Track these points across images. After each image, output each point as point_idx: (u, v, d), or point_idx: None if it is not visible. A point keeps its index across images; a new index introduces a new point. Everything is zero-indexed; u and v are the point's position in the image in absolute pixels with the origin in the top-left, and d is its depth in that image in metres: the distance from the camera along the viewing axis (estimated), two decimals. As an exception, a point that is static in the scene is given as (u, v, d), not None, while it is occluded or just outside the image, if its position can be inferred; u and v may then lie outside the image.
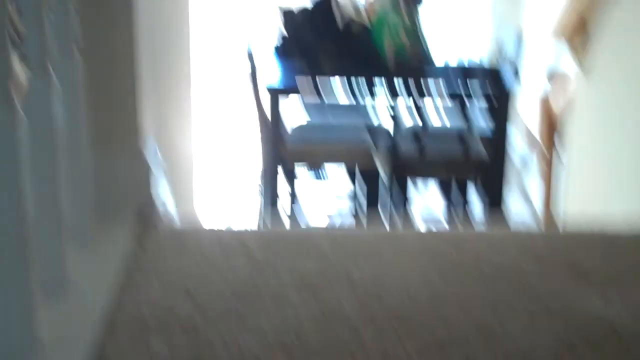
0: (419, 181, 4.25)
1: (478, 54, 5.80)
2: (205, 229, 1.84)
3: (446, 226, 3.64)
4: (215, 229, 1.85)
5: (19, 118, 1.13)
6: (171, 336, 1.31)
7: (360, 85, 3.84)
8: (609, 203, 2.77)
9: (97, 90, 1.79)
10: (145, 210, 1.84)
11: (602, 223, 1.91)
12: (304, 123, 4.41)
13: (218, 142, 5.86)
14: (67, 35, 1.55)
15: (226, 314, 1.40)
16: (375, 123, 4.58)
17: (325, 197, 5.30)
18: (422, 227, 2.09)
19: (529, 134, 4.26)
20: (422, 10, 4.18)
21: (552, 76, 3.52)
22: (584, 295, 1.52)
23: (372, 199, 3.94)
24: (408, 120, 4.04)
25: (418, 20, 4.10)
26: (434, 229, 1.91)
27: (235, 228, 1.86)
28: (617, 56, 2.79)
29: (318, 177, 5.37)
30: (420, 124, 3.59)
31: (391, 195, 3.71)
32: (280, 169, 3.80)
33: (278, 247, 1.72)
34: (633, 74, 2.67)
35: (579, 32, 2.94)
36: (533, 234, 1.85)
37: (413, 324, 1.39)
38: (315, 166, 3.95)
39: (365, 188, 4.06)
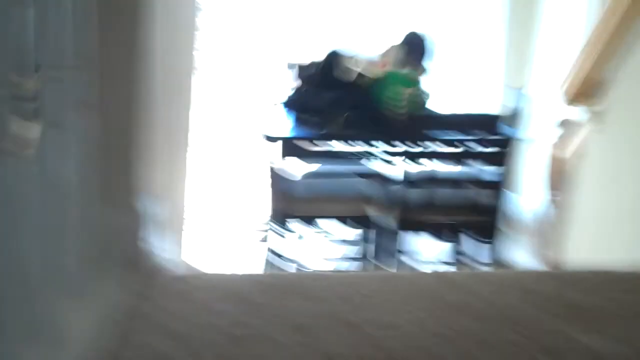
0: (426, 235, 4.24)
1: (488, 105, 5.85)
2: (204, 275, 1.84)
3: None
4: (214, 274, 1.85)
5: (19, 172, 1.15)
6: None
7: (367, 135, 3.88)
8: (612, 253, 2.76)
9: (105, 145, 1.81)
10: (142, 260, 1.85)
11: (602, 266, 1.90)
12: (312, 171, 4.44)
13: (219, 193, 5.89)
14: (84, 93, 1.58)
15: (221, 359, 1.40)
16: (380, 172, 4.60)
17: (329, 251, 5.30)
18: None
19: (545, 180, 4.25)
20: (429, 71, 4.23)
21: (563, 124, 3.53)
22: (578, 333, 1.51)
23: (377, 253, 3.94)
24: (412, 169, 4.06)
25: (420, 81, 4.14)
26: (429, 271, 1.90)
27: (236, 274, 1.86)
28: (629, 108, 2.80)
29: (321, 231, 5.38)
30: (424, 171, 3.61)
31: (396, 248, 3.71)
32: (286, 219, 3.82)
33: (276, 291, 1.72)
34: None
35: (589, 92, 2.96)
36: (529, 273, 1.84)
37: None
38: (318, 217, 3.94)
39: (369, 242, 4.05)
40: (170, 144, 2.83)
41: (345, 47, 4.49)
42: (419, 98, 4.00)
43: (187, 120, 3.35)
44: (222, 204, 5.75)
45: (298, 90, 4.40)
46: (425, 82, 4.24)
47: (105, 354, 1.38)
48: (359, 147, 4.25)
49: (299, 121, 4.14)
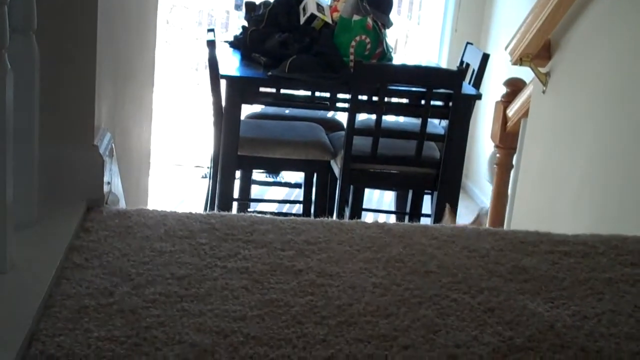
0: (370, 185, 4.25)
1: (435, 59, 5.86)
2: (151, 211, 1.81)
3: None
4: (161, 211, 1.83)
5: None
6: (108, 317, 1.30)
7: (318, 81, 3.85)
8: (556, 211, 2.81)
9: (52, 76, 1.76)
10: (93, 196, 1.82)
11: (547, 228, 1.93)
12: (258, 111, 4.40)
13: (173, 129, 5.82)
14: (23, 17, 1.53)
15: (166, 298, 1.39)
16: (331, 117, 4.59)
17: (277, 195, 5.30)
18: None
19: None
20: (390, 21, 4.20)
21: (509, 82, 3.56)
22: (525, 293, 1.54)
23: (324, 202, 3.94)
24: (364, 117, 4.05)
25: (382, 28, 4.10)
26: (371, 221, 1.90)
27: (182, 211, 1.84)
28: (574, 70, 2.83)
29: (270, 174, 5.39)
30: (377, 121, 3.60)
31: (344, 196, 3.71)
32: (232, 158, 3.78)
33: (223, 232, 1.71)
34: (589, 88, 2.70)
35: (535, 53, 2.97)
36: (478, 232, 1.86)
37: (355, 315, 1.39)
38: (262, 158, 3.92)
39: (317, 188, 4.04)
40: (134, 80, 2.78)
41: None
42: (370, 47, 3.97)
43: (152, 57, 3.28)
44: (167, 140, 5.69)
45: (247, 30, 4.34)
46: (388, 35, 4.21)
47: (45, 288, 1.36)
48: (304, 91, 4.24)
49: (246, 62, 4.10)
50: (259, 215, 1.87)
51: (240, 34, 4.46)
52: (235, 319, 1.34)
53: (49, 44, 1.72)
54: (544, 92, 3.00)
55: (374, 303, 1.44)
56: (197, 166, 5.70)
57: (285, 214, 4.82)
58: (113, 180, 1.98)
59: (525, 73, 3.24)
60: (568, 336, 1.38)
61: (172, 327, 1.29)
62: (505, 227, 3.32)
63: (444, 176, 3.66)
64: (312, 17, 4.16)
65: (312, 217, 3.89)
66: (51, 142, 1.76)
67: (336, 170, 3.75)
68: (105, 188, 1.86)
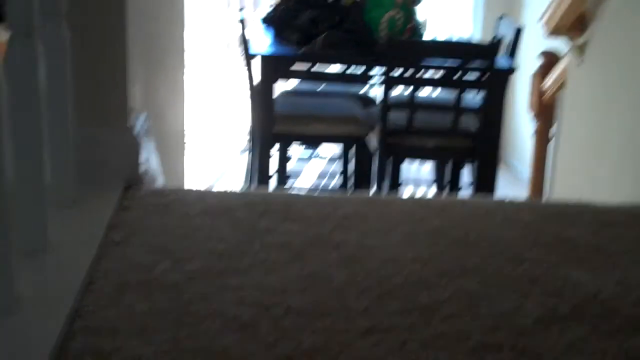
0: (407, 158, 4.22)
1: (469, 33, 5.80)
2: (189, 190, 1.82)
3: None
4: (199, 189, 1.83)
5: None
6: (150, 293, 1.30)
7: (351, 56, 3.83)
8: (596, 180, 2.77)
9: (85, 59, 1.77)
10: (130, 175, 1.83)
11: (587, 199, 1.91)
12: (292, 89, 4.39)
13: (209, 108, 5.84)
14: (54, 1, 1.53)
15: (206, 272, 1.39)
16: (365, 93, 4.57)
17: (315, 170, 5.30)
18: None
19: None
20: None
21: (544, 54, 3.51)
22: (568, 263, 1.52)
23: (362, 176, 3.92)
24: (398, 92, 4.02)
25: (413, 3, 4.06)
26: (409, 195, 1.89)
27: (220, 189, 1.84)
28: (610, 41, 2.78)
29: (309, 148, 5.38)
30: (411, 95, 3.57)
31: (381, 170, 3.69)
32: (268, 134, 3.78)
33: (261, 208, 1.70)
34: (625, 58, 2.66)
35: (570, 24, 2.93)
36: (519, 204, 1.84)
37: (394, 287, 1.38)
38: (303, 135, 3.90)
39: (355, 163, 4.03)
40: (165, 60, 2.78)
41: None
42: (401, 23, 3.94)
43: (182, 39, 3.28)
44: (204, 119, 5.71)
45: (277, 8, 4.32)
46: (420, 10, 4.17)
47: (86, 265, 1.36)
48: (337, 67, 4.21)
49: (277, 39, 4.08)
50: (297, 190, 1.86)
51: (271, 11, 4.44)
52: (276, 292, 1.33)
53: (81, 27, 1.72)
54: (580, 63, 2.96)
55: (414, 275, 1.43)
56: (235, 141, 5.70)
57: (323, 189, 4.83)
58: (150, 159, 1.98)
59: (560, 45, 3.19)
60: (612, 305, 1.36)
61: (213, 301, 1.29)
62: (545, 198, 3.29)
63: (481, 148, 3.62)
64: (342, -6, 4.13)
65: (350, 191, 3.89)
66: (87, 124, 1.77)
67: (373, 144, 3.73)
68: (142, 167, 1.87)
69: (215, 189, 1.86)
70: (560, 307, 1.34)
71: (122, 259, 1.43)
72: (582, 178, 2.89)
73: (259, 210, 1.70)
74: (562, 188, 3.06)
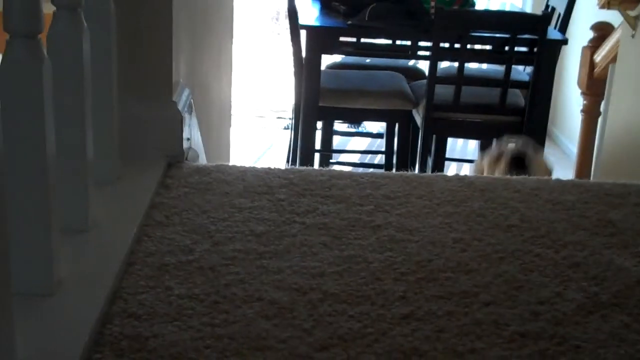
0: (454, 134, 4.17)
1: (520, 3, 5.70)
2: (230, 167, 1.82)
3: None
4: (240, 166, 1.83)
5: (41, 55, 1.13)
6: (189, 275, 1.31)
7: (399, 28, 3.79)
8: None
9: (129, 34, 1.77)
10: (172, 152, 1.84)
11: (636, 177, 1.86)
12: (338, 61, 4.36)
13: (255, 81, 5.83)
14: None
15: (245, 255, 1.39)
16: (414, 65, 4.52)
17: (360, 146, 5.27)
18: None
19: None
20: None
21: (596, 26, 3.43)
22: (611, 247, 1.49)
23: (406, 153, 3.89)
24: (446, 65, 3.98)
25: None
26: (452, 174, 1.87)
27: (262, 166, 1.84)
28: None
29: (352, 124, 5.36)
30: (459, 68, 3.52)
31: (425, 147, 3.66)
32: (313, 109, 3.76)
33: (302, 188, 1.70)
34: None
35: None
36: (564, 184, 1.81)
37: (435, 271, 1.37)
38: (348, 109, 3.87)
39: (399, 140, 3.99)
40: (212, 32, 2.78)
41: None
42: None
43: (230, 10, 3.27)
44: (249, 92, 5.71)
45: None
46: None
47: (127, 246, 1.38)
48: (384, 40, 4.17)
49: (325, 11, 4.05)
50: (338, 169, 1.85)
51: (319, -17, 4.41)
52: (314, 276, 1.33)
53: (125, 1, 1.72)
54: (633, 36, 2.89)
55: (454, 259, 1.42)
56: (279, 117, 5.71)
57: (367, 165, 4.81)
58: (193, 136, 1.99)
59: (613, 17, 3.12)
60: (656, 292, 1.33)
61: (251, 285, 1.29)
62: (592, 178, 3.23)
63: (529, 124, 3.56)
64: (392, -37, 4.08)
65: (394, 168, 3.86)
66: (130, 99, 1.78)
67: (418, 119, 3.69)
68: (185, 144, 1.87)
69: (257, 166, 1.85)
70: (602, 293, 1.31)
71: (162, 240, 1.44)
72: (631, 156, 2.83)
73: (299, 190, 1.70)
74: (610, 167, 3.01)
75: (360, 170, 2.14)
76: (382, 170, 3.97)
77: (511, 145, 2.66)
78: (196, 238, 1.45)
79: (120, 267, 1.31)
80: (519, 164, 2.54)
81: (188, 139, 1.92)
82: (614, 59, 3.09)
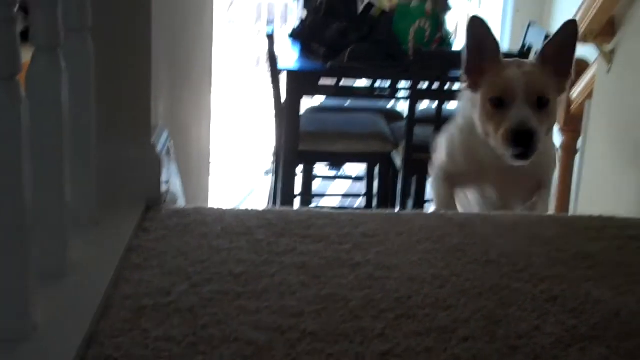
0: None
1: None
2: (209, 209, 1.82)
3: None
4: (219, 208, 1.83)
5: (19, 97, 1.13)
6: (166, 317, 1.30)
7: (378, 69, 3.82)
8: (622, 194, 2.73)
9: (109, 75, 1.78)
10: (151, 195, 1.84)
11: (613, 212, 1.88)
12: (318, 104, 4.39)
13: (236, 125, 5.84)
14: (78, 15, 1.54)
15: (223, 296, 1.39)
16: (392, 107, 4.55)
17: (340, 189, 5.28)
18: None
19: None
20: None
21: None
22: (589, 280, 1.49)
23: (386, 195, 3.90)
24: (419, 106, 4.01)
25: (442, 12, 4.05)
26: (441, 212, 1.87)
27: (241, 208, 1.84)
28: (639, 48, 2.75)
29: (333, 167, 5.37)
30: (437, 109, 3.55)
31: (405, 189, 3.67)
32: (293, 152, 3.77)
33: (280, 228, 1.70)
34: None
35: (599, 31, 2.89)
36: (542, 219, 1.82)
37: (413, 307, 1.37)
38: (328, 153, 3.89)
39: (379, 182, 4.01)
40: (192, 78, 2.79)
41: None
42: (429, 33, 3.93)
43: (209, 55, 3.29)
44: (230, 137, 5.72)
45: (304, 21, 4.33)
46: (448, 19, 4.15)
47: (104, 289, 1.37)
48: (364, 81, 4.21)
49: (305, 53, 4.08)
50: (317, 209, 1.86)
51: (299, 25, 4.45)
52: (293, 315, 1.33)
53: (105, 43, 1.72)
54: (608, 71, 2.93)
55: (433, 295, 1.42)
56: (260, 162, 5.72)
57: (348, 208, 4.82)
58: (171, 179, 1.99)
59: (589, 52, 3.16)
60: (635, 324, 1.34)
61: (229, 325, 1.29)
62: (571, 212, 3.25)
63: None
64: (370, 5, 4.13)
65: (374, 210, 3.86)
66: (109, 141, 1.78)
67: (398, 161, 3.71)
68: (164, 187, 1.87)
69: (235, 209, 1.85)
70: (581, 326, 1.32)
71: (139, 282, 1.43)
72: (608, 191, 2.85)
73: (278, 230, 1.70)
74: (588, 202, 3.03)
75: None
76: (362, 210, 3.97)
77: (518, 114, 1.98)
78: (174, 280, 1.44)
79: (97, 310, 1.30)
80: (523, 139, 1.96)
81: (167, 182, 1.92)
82: (589, 95, 3.12)
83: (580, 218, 1.82)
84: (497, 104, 2.01)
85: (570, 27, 2.04)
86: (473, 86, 2.12)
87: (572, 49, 2.04)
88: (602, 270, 1.54)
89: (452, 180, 2.27)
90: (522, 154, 1.97)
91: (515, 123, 1.96)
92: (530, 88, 1.99)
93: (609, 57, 2.92)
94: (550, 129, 2.09)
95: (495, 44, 2.07)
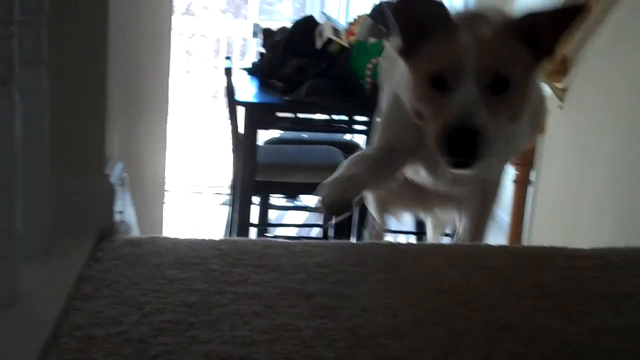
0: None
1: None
2: (163, 239, 1.81)
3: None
4: (173, 238, 1.82)
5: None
6: (116, 347, 1.29)
7: (335, 104, 3.85)
8: (576, 227, 2.77)
9: (63, 106, 1.77)
10: (104, 226, 1.82)
11: (565, 244, 1.90)
12: (276, 137, 4.40)
13: (193, 157, 5.84)
14: (33, 48, 1.54)
15: (175, 325, 1.38)
16: (350, 139, 4.58)
17: (296, 220, 5.29)
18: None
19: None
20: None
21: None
22: (540, 310, 1.51)
23: (342, 226, 3.91)
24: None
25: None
26: (394, 242, 1.88)
27: (191, 238, 1.84)
28: (592, 86, 2.80)
29: (289, 198, 5.39)
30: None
31: (362, 220, 3.68)
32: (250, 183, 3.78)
33: (234, 258, 1.70)
34: (606, 102, 2.67)
35: (552, 69, 2.95)
36: (494, 249, 1.83)
37: (365, 337, 1.37)
38: (285, 184, 3.90)
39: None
40: (148, 110, 2.79)
41: (314, 15, 4.43)
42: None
43: (166, 87, 3.29)
44: (187, 168, 5.71)
45: (263, 57, 4.36)
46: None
47: (53, 319, 1.35)
48: (323, 115, 4.23)
49: (263, 88, 4.11)
50: (271, 239, 1.86)
51: (258, 60, 4.48)
52: (245, 345, 1.32)
53: (59, 75, 1.72)
54: (561, 107, 2.98)
55: (385, 324, 1.43)
56: (217, 193, 5.71)
57: (304, 238, 4.82)
58: (125, 209, 1.98)
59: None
60: (584, 353, 1.35)
61: (180, 355, 1.28)
62: (524, 243, 3.29)
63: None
64: (329, 41, 4.17)
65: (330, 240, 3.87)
66: (62, 172, 1.77)
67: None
68: (117, 217, 1.86)
69: (189, 238, 1.84)
70: (530, 355, 1.33)
71: (90, 313, 1.42)
72: (562, 224, 2.89)
73: (231, 260, 1.69)
74: (541, 235, 3.06)
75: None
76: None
77: (460, 101, 1.48)
78: (125, 310, 1.43)
79: (45, 341, 1.29)
80: (461, 143, 1.48)
81: (120, 212, 1.91)
82: (542, 131, 3.17)
83: (531, 248, 1.84)
84: (437, 84, 1.52)
85: (580, 10, 1.52)
86: (407, 53, 1.61)
87: (570, 27, 1.54)
88: (552, 300, 1.56)
89: (389, 158, 1.85)
90: (461, 163, 1.54)
91: (454, 117, 1.46)
92: (485, 62, 1.49)
93: (561, 93, 2.98)
94: (514, 118, 1.59)
95: (438, 8, 1.57)
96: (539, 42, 1.54)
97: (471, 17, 1.60)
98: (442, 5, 1.57)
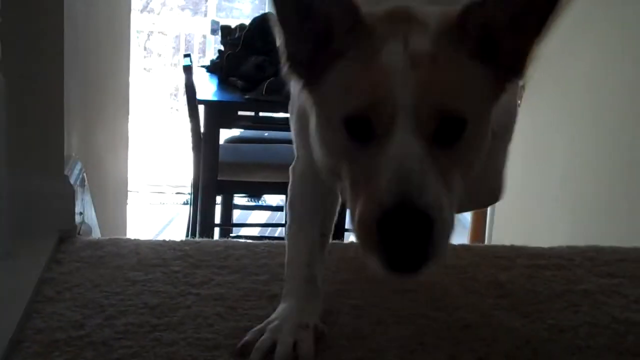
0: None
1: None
2: (124, 240, 1.80)
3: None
4: (135, 239, 1.81)
5: None
6: (79, 350, 1.28)
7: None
8: (534, 227, 2.80)
9: (20, 107, 1.75)
10: (65, 227, 1.81)
11: (525, 242, 1.93)
12: (237, 135, 4.39)
13: (153, 156, 5.80)
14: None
15: (138, 328, 1.37)
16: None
17: (259, 219, 5.28)
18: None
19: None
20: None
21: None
22: (501, 309, 1.53)
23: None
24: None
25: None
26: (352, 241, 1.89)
27: (157, 239, 1.83)
28: (547, 84, 2.83)
29: (252, 198, 5.37)
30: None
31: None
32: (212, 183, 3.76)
33: (197, 259, 1.69)
34: (561, 102, 2.70)
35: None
36: (456, 248, 1.85)
37: (330, 338, 1.37)
38: (247, 183, 3.89)
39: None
40: (107, 109, 2.76)
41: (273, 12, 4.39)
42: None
43: (126, 86, 3.26)
44: (148, 168, 5.67)
45: (222, 54, 4.34)
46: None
47: (15, 323, 1.34)
48: (284, 113, 4.23)
49: (223, 86, 4.09)
50: (234, 240, 1.85)
51: (217, 58, 4.46)
52: (209, 348, 1.32)
53: (16, 76, 1.70)
54: (518, 104, 3.01)
55: (350, 325, 1.43)
56: (178, 192, 5.68)
57: (268, 238, 4.81)
58: (85, 211, 1.96)
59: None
60: (545, 351, 1.37)
61: (144, 358, 1.27)
62: (486, 242, 3.32)
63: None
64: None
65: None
66: (21, 173, 1.75)
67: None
68: (77, 218, 1.85)
69: (151, 240, 1.83)
70: (493, 354, 1.34)
71: (52, 316, 1.40)
72: (521, 223, 2.92)
73: (194, 261, 1.69)
74: (502, 235, 3.09)
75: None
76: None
77: (398, 165, 0.95)
78: (88, 313, 1.42)
79: (7, 345, 1.27)
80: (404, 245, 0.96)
81: (81, 214, 1.89)
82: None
83: (492, 247, 1.86)
84: (356, 131, 1.00)
85: None
86: (311, 80, 1.09)
87: (548, 15, 1.11)
88: (512, 299, 1.58)
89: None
90: (404, 267, 1.01)
91: (388, 192, 0.94)
92: (428, 95, 0.97)
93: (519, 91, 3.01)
94: (468, 174, 1.07)
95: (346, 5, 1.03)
96: (499, 50, 1.06)
97: (394, 17, 1.05)
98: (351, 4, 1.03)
